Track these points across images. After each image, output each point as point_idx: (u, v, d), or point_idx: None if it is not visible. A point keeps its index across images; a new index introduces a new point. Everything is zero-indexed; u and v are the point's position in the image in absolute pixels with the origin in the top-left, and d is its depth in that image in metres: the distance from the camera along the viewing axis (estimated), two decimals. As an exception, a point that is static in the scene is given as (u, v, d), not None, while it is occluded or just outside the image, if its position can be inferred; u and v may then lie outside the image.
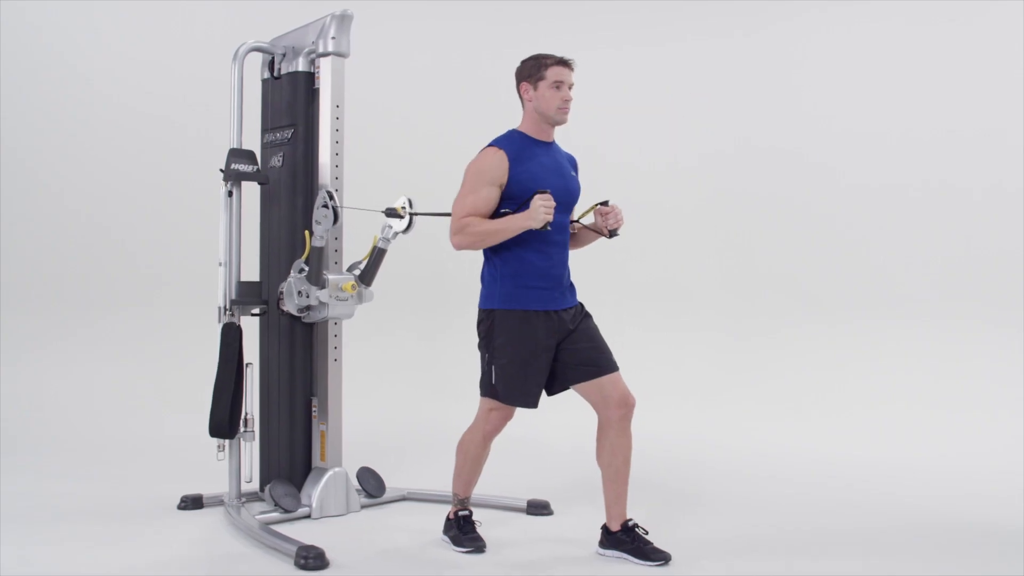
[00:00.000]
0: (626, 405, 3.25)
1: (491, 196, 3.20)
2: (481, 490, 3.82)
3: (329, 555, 3.16)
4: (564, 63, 3.27)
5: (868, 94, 6.10)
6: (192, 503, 3.93)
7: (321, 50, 3.88)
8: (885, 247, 6.02)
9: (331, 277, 3.77)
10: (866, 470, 4.71)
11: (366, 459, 4.24)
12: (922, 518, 3.88)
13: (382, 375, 6.04)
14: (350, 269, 3.87)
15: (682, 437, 5.33)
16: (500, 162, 3.21)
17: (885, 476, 4.60)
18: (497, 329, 3.25)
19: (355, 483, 4.00)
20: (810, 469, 4.74)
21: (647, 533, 3.31)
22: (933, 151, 5.93)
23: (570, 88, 3.29)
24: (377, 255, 3.77)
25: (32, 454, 4.92)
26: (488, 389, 3.30)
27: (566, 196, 3.30)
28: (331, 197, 3.72)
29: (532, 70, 3.27)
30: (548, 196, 3.12)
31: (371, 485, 4.06)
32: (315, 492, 3.82)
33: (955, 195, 5.87)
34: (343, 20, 3.89)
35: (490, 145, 3.29)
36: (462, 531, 3.41)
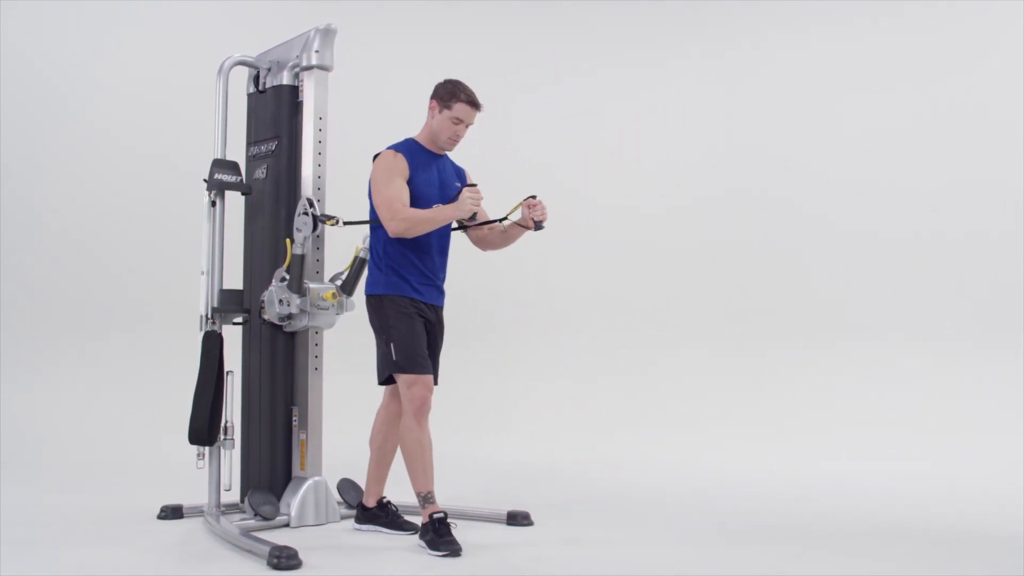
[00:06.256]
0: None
1: (404, 186, 3.51)
2: (462, 503, 3.86)
3: (302, 556, 3.15)
4: (473, 104, 3.54)
5: (854, 137, 6.22)
6: (172, 513, 3.92)
7: (305, 63, 3.95)
8: (872, 284, 6.08)
9: (312, 286, 3.81)
10: (855, 485, 4.74)
11: (349, 472, 4.23)
12: (912, 526, 3.91)
13: (370, 391, 6.04)
14: (332, 279, 3.91)
15: (677, 458, 5.37)
16: (402, 161, 3.53)
17: (875, 490, 4.63)
18: (387, 309, 3.53)
19: (336, 494, 4.00)
20: (799, 484, 4.79)
21: (396, 509, 3.73)
22: (923, 193, 6.02)
23: (467, 127, 3.58)
24: (359, 265, 3.80)
25: (23, 471, 4.93)
26: (392, 366, 3.51)
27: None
28: (311, 204, 3.77)
29: (444, 95, 3.56)
30: (476, 189, 3.49)
31: (352, 496, 4.05)
32: (294, 501, 3.83)
33: (943, 233, 5.95)
34: (327, 34, 3.96)
35: (388, 149, 3.58)
36: (438, 534, 3.40)
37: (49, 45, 6.23)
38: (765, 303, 6.24)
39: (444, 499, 4.19)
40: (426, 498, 3.46)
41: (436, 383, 3.65)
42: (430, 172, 3.60)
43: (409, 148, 3.60)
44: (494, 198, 6.11)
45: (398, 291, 3.53)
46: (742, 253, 6.33)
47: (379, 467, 3.77)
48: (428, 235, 3.54)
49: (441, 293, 3.69)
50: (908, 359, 5.83)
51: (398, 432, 3.62)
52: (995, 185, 5.86)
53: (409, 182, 3.52)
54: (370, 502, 3.74)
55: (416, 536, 3.52)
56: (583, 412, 6.03)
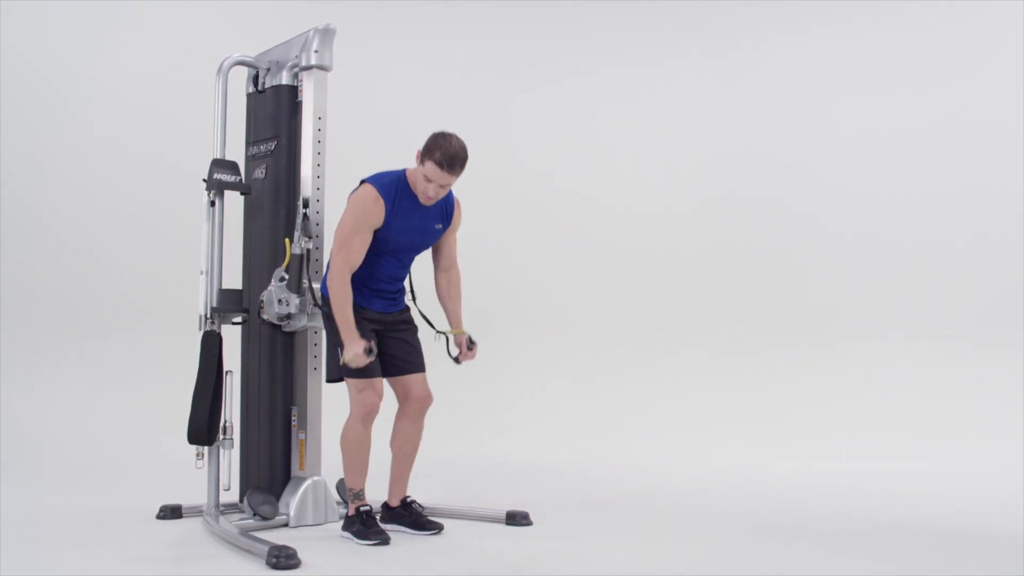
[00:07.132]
0: (422, 401, 3.68)
1: (367, 240, 3.49)
2: (461, 503, 3.84)
3: (301, 555, 3.15)
4: (443, 165, 3.39)
5: (853, 138, 6.23)
6: (171, 513, 3.92)
7: (304, 63, 3.95)
8: (872, 284, 6.10)
9: (312, 286, 3.81)
10: (855, 485, 4.74)
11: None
12: (912, 526, 3.91)
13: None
14: (331, 279, 3.91)
15: (677, 458, 5.37)
16: (379, 211, 3.48)
17: (875, 490, 4.64)
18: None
19: (334, 494, 4.00)
20: (799, 484, 4.79)
21: (423, 508, 3.70)
22: (923, 194, 6.03)
23: (442, 187, 3.46)
24: (357, 265, 3.80)
25: (22, 471, 4.94)
26: (339, 371, 3.53)
27: (418, 247, 3.68)
28: (305, 205, 3.79)
29: (424, 148, 3.44)
30: (359, 356, 3.38)
31: (351, 496, 4.05)
32: (293, 501, 3.82)
33: (943, 233, 5.97)
34: (326, 34, 3.96)
35: (375, 186, 3.50)
36: (365, 525, 3.50)
37: (49, 45, 6.22)
38: (765, 303, 6.25)
39: (444, 498, 4.21)
40: (357, 495, 3.58)
41: (423, 370, 3.69)
42: (409, 220, 3.55)
43: (397, 190, 3.53)
44: (494, 198, 6.17)
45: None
46: (742, 253, 6.34)
47: (400, 466, 3.74)
48: (388, 264, 3.58)
49: (393, 303, 3.68)
50: (908, 359, 5.85)
51: (412, 432, 3.71)
52: (995, 185, 5.87)
53: (383, 227, 3.50)
54: (394, 501, 3.74)
55: (369, 534, 3.51)
56: (583, 412, 6.03)
